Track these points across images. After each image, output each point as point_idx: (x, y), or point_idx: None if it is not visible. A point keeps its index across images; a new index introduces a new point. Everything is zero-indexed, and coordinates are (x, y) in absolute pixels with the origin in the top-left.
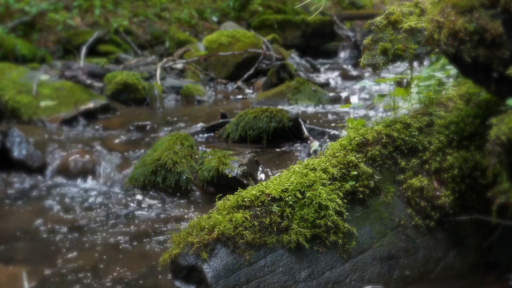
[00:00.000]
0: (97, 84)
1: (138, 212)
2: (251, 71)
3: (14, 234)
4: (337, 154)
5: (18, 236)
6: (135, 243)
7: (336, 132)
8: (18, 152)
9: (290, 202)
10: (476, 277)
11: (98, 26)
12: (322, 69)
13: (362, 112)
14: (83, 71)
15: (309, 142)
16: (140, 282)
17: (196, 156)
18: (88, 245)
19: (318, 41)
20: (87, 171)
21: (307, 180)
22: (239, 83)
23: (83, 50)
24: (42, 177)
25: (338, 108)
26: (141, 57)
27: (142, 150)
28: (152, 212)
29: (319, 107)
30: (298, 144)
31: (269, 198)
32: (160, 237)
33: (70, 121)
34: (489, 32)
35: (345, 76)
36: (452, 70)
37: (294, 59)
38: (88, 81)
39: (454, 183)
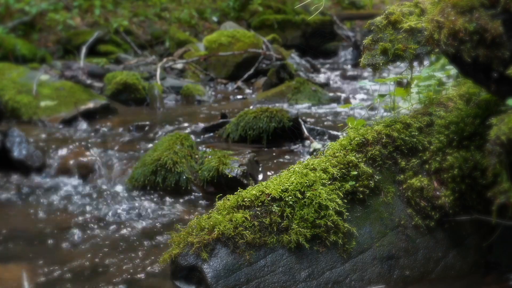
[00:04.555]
0: (97, 84)
1: (138, 212)
2: (251, 71)
3: (14, 234)
4: (337, 154)
5: (18, 236)
6: (135, 243)
7: (336, 132)
8: (18, 152)
9: (290, 202)
10: (476, 277)
11: (98, 26)
12: (322, 69)
13: (362, 112)
14: (83, 71)
15: (309, 142)
16: (140, 282)
17: (196, 156)
18: (88, 245)
19: (318, 41)
20: (87, 171)
21: (307, 180)
22: (239, 83)
23: (83, 50)
24: (42, 177)
25: (338, 108)
26: (141, 57)
27: (142, 150)
28: (152, 212)
29: (319, 107)
30: (298, 144)
31: (269, 198)
32: (160, 237)
33: (70, 121)
34: (489, 32)
35: (345, 76)
36: (452, 70)
37: (294, 59)
38: (88, 81)
39: (454, 183)
